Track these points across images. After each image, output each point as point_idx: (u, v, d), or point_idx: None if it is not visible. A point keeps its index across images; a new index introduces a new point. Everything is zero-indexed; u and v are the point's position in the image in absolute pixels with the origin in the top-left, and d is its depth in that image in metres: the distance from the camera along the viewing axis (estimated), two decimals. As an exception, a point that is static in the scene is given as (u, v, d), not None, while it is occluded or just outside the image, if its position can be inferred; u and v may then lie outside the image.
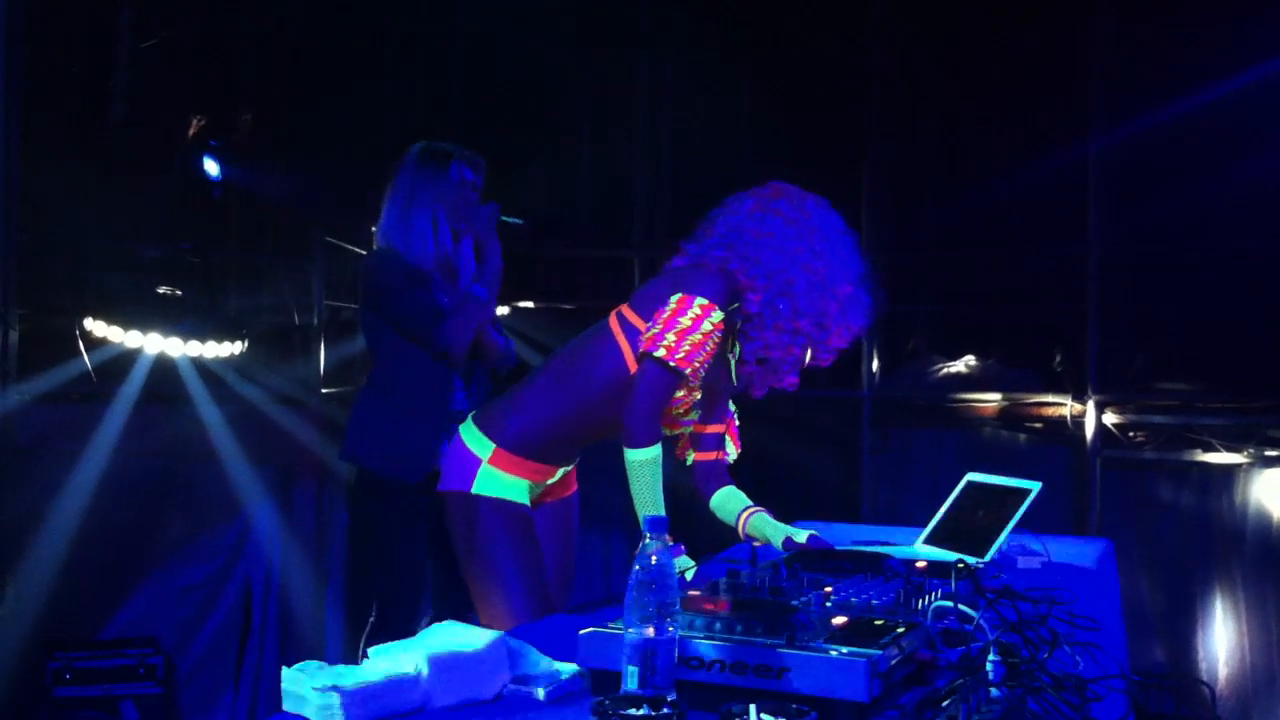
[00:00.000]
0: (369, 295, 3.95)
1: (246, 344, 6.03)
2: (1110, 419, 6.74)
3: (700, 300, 3.05)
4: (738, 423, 3.50)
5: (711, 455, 3.42)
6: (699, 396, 3.25)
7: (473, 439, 3.16)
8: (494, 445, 3.12)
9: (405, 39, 7.31)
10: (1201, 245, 6.52)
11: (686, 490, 3.45)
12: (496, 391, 3.78)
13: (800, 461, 7.15)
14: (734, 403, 3.50)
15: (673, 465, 3.27)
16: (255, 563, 6.62)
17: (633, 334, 3.11)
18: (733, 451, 3.46)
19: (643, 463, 3.00)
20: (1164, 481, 6.73)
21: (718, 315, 3.07)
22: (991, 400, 7.09)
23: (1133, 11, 6.69)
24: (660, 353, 3.00)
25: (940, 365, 7.36)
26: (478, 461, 3.12)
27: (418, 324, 3.82)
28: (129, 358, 5.76)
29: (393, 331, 3.89)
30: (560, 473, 3.28)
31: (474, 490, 3.12)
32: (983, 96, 7.03)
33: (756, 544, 3.24)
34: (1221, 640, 6.55)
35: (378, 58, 7.20)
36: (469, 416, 3.24)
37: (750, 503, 3.35)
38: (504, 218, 3.91)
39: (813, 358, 3.26)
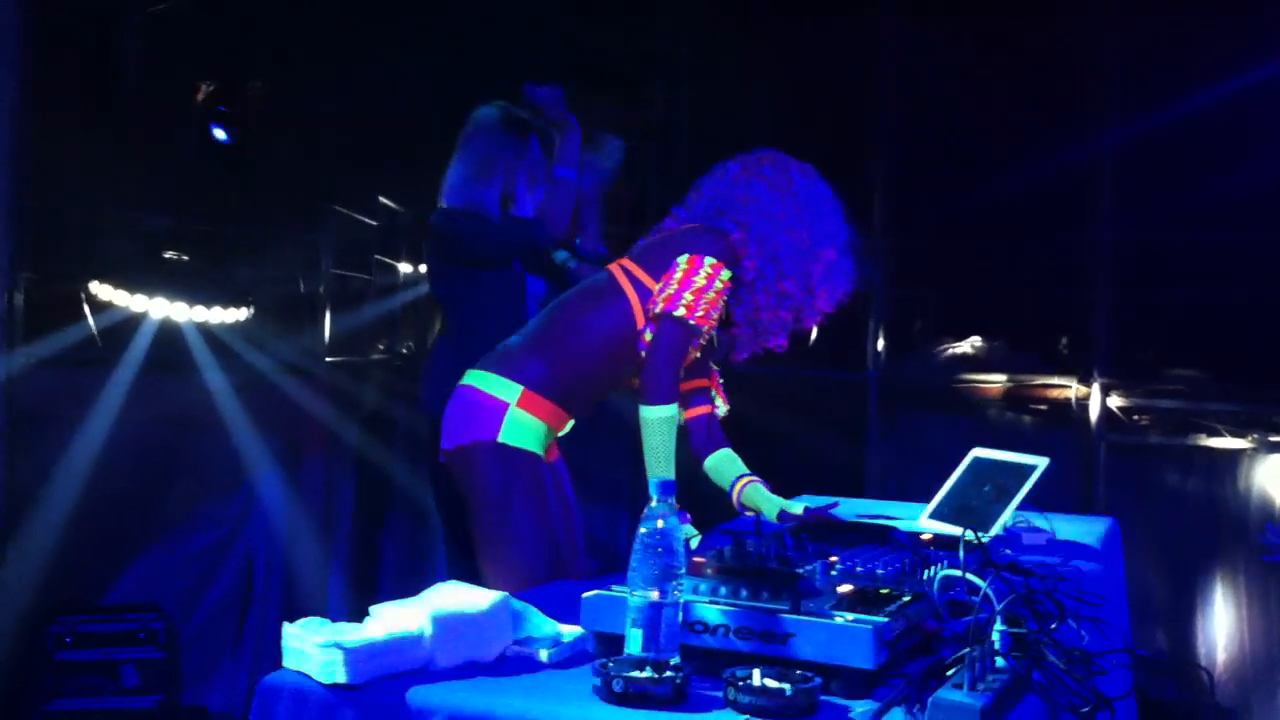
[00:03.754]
0: (449, 249, 3.96)
1: (252, 311, 6.03)
2: (1115, 402, 6.73)
3: (710, 260, 3.14)
4: (721, 379, 3.54)
5: (699, 410, 3.46)
6: (697, 356, 3.30)
7: (493, 385, 3.08)
8: (521, 387, 3.07)
9: (418, 6, 7.28)
10: (1211, 232, 6.49)
11: (692, 464, 3.45)
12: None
13: (807, 441, 7.13)
14: (732, 380, 3.54)
15: (680, 445, 3.26)
16: (259, 532, 6.63)
17: (642, 290, 3.16)
18: (721, 406, 3.49)
19: (659, 420, 3.04)
20: (1168, 466, 6.71)
21: (726, 274, 3.17)
22: (997, 382, 7.08)
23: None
24: (680, 312, 3.06)
25: (946, 347, 7.34)
26: (504, 406, 3.05)
27: (514, 237, 3.91)
28: (134, 322, 5.75)
29: (471, 284, 3.92)
30: (567, 428, 3.27)
31: (501, 439, 3.05)
32: (995, 82, 6.99)
33: (749, 514, 3.26)
34: (1221, 626, 6.54)
35: (391, 26, 7.17)
36: (476, 368, 3.19)
37: (746, 471, 3.36)
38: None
39: (800, 321, 3.31)
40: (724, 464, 3.40)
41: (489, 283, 3.95)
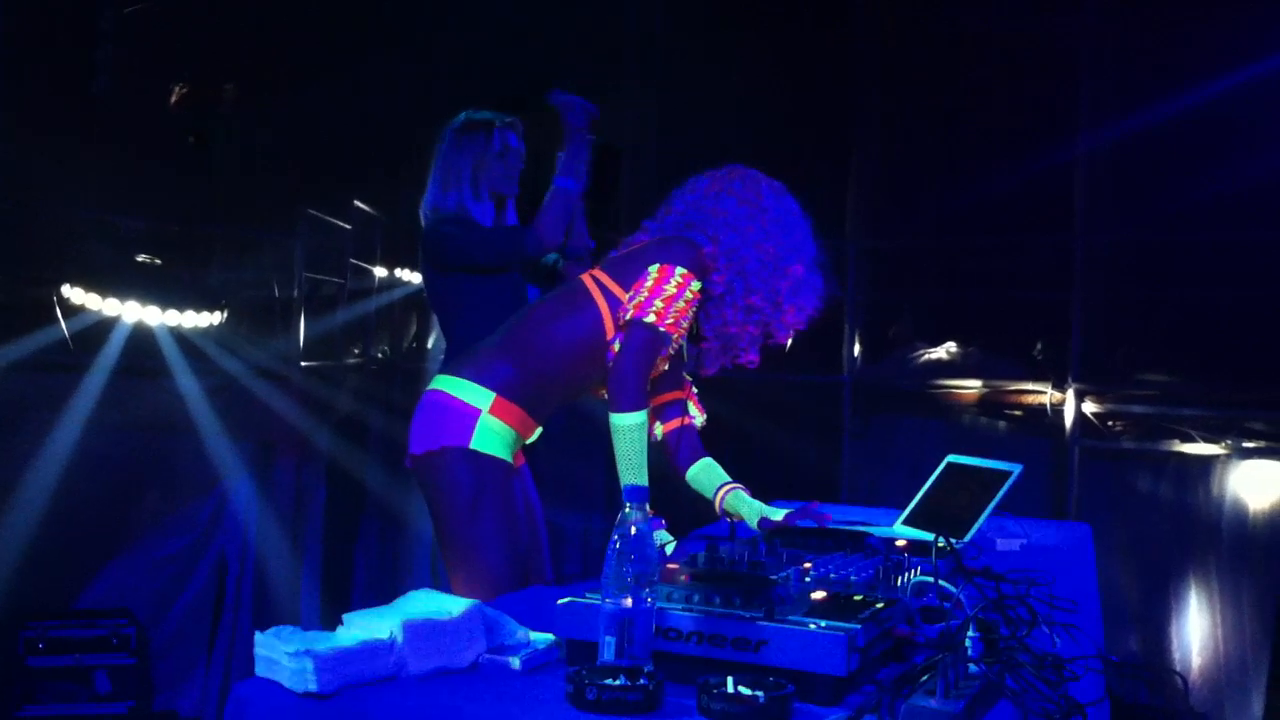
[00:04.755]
0: (439, 257, 3.95)
1: (226, 315, 6.00)
2: (1090, 408, 6.75)
3: (680, 270, 3.16)
4: (696, 390, 3.54)
5: (677, 423, 3.46)
6: (666, 368, 3.31)
7: (465, 391, 3.07)
8: (494, 394, 3.06)
9: (392, 11, 7.26)
10: (1185, 237, 6.51)
11: (666, 469, 3.45)
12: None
13: (781, 445, 7.14)
14: (708, 384, 3.54)
15: (654, 448, 3.27)
16: (231, 537, 6.59)
17: (612, 300, 3.17)
18: (698, 415, 3.50)
19: (629, 427, 3.04)
20: (1142, 471, 6.74)
21: (696, 285, 3.19)
22: (972, 388, 7.10)
23: (1125, 3, 6.68)
24: (650, 319, 3.08)
25: (922, 352, 7.36)
26: (476, 413, 3.04)
27: (504, 244, 3.89)
28: (106, 326, 5.72)
29: (466, 295, 3.93)
30: (534, 435, 3.27)
31: (473, 446, 3.05)
32: (973, 84, 7.01)
33: (732, 520, 3.26)
34: (1195, 630, 6.57)
35: (364, 30, 7.15)
36: (444, 373, 3.19)
37: (728, 479, 3.37)
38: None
39: (770, 336, 3.32)
40: (705, 473, 3.40)
41: (486, 292, 3.94)
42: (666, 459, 3.46)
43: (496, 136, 4.00)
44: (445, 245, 3.92)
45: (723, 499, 3.32)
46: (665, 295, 3.09)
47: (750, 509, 3.23)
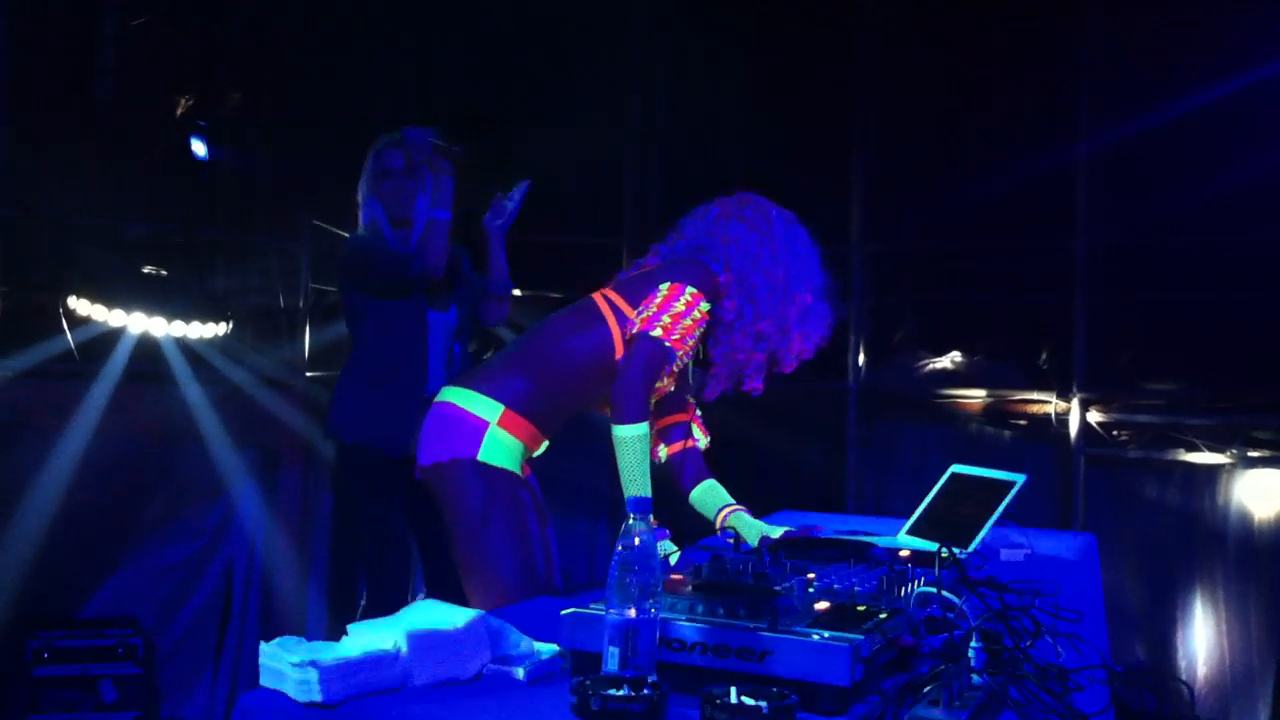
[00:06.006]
0: (344, 272, 4.17)
1: (231, 325, 6.01)
2: (1095, 417, 6.74)
3: (690, 289, 3.18)
4: (699, 412, 3.56)
5: (680, 445, 3.48)
6: (672, 389, 3.32)
7: (474, 403, 3.08)
8: (503, 406, 3.08)
9: (393, 19, 7.27)
10: (1188, 243, 6.50)
11: (669, 480, 3.47)
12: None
13: (785, 453, 7.14)
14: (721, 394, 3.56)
15: (657, 468, 3.28)
16: (237, 545, 6.59)
17: (623, 319, 3.19)
18: (701, 438, 3.51)
19: (633, 439, 3.05)
20: (1147, 480, 6.73)
21: (705, 305, 3.22)
22: (977, 396, 7.09)
23: (1125, 5, 6.68)
24: (656, 333, 3.09)
25: (926, 360, 7.34)
26: (484, 425, 3.05)
27: (391, 268, 4.03)
28: (112, 336, 5.73)
29: (373, 310, 4.01)
30: (541, 448, 3.28)
31: (480, 457, 3.06)
32: (973, 89, 7.02)
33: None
34: (1201, 639, 6.56)
35: (366, 38, 7.16)
36: (455, 385, 3.20)
37: (731, 500, 3.39)
38: (438, 142, 4.04)
39: (776, 363, 3.35)
40: (708, 495, 3.43)
41: (388, 308, 4.04)
42: (670, 481, 3.48)
43: (374, 159, 4.14)
44: (345, 260, 4.14)
45: (724, 519, 3.34)
46: (673, 311, 3.12)
47: (750, 529, 3.25)
